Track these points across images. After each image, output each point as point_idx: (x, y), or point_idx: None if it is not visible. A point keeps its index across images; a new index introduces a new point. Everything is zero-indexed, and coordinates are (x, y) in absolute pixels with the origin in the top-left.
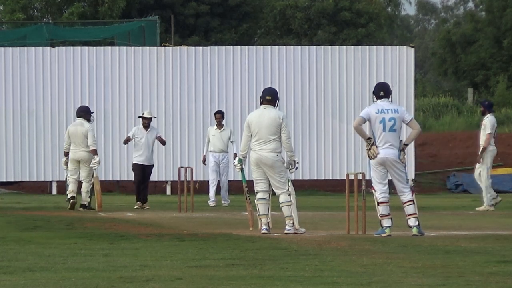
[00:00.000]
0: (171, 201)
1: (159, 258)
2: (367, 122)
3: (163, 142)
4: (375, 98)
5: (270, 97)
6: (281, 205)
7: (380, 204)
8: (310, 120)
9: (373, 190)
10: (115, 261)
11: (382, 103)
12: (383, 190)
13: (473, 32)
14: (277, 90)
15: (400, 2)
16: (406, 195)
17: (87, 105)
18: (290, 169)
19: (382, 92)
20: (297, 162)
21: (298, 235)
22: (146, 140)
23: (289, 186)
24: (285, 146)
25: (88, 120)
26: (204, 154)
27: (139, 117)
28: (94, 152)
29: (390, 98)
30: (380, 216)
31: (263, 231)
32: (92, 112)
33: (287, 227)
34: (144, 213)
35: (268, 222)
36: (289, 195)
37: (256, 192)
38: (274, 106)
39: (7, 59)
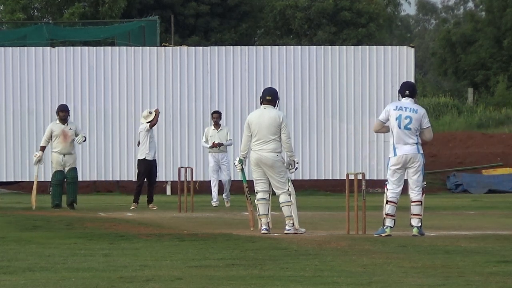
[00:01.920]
0: (171, 201)
1: (159, 258)
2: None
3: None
4: (400, 97)
5: (270, 97)
6: (281, 205)
7: (388, 203)
8: (310, 120)
9: (385, 189)
10: (115, 261)
11: (404, 101)
12: (396, 191)
13: (473, 32)
14: (277, 90)
15: (400, 2)
16: (416, 195)
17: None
18: (290, 169)
19: (407, 91)
20: (297, 162)
21: (298, 235)
22: (154, 136)
23: (289, 186)
24: (285, 146)
25: (61, 118)
26: (209, 145)
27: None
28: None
29: (415, 98)
30: (385, 214)
31: (263, 231)
32: (60, 111)
33: (287, 227)
34: (144, 213)
35: (268, 222)
36: (289, 195)
37: (256, 192)
38: (274, 106)
39: (7, 59)
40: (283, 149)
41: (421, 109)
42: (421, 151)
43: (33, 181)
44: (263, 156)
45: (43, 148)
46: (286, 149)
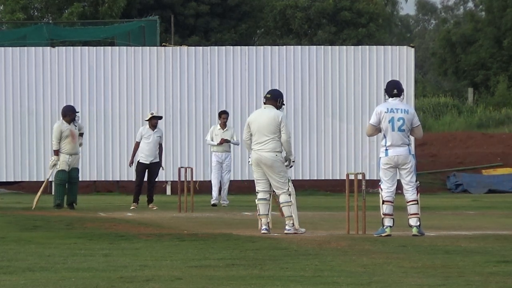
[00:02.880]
0: (171, 201)
1: (159, 258)
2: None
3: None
4: (387, 96)
5: (270, 95)
6: (281, 205)
7: (384, 203)
8: (310, 120)
9: (379, 189)
10: (115, 261)
11: (393, 102)
12: (390, 190)
13: (473, 32)
14: (280, 91)
15: (398, 1)
16: (411, 194)
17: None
18: (286, 165)
19: (395, 90)
20: (293, 161)
21: (298, 235)
22: (153, 139)
23: (289, 186)
24: (285, 146)
25: (69, 120)
26: (217, 142)
27: (150, 119)
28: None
29: (402, 96)
30: (383, 215)
31: (263, 231)
32: (76, 112)
33: (287, 227)
34: (144, 213)
35: (268, 222)
36: (289, 195)
37: (257, 192)
38: (275, 105)
39: (7, 59)
40: (283, 149)
41: (411, 109)
42: (413, 152)
43: (35, 181)
44: (262, 156)
45: (57, 152)
46: (285, 149)
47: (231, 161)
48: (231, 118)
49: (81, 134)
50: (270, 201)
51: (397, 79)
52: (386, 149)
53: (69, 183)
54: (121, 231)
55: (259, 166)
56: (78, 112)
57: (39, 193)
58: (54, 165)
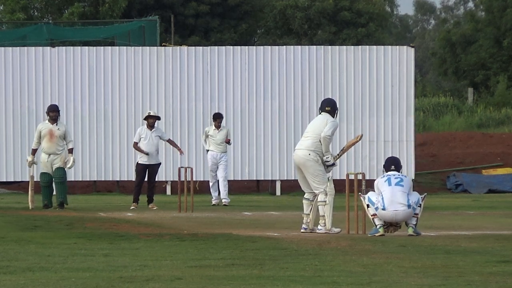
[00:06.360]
0: (171, 201)
1: (159, 258)
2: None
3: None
4: (384, 172)
5: (329, 107)
6: (317, 204)
7: (369, 206)
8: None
9: (361, 197)
10: (115, 261)
11: (389, 172)
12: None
13: (473, 32)
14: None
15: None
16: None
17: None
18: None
19: (393, 166)
20: (327, 161)
21: (299, 235)
22: (151, 139)
23: (327, 186)
24: (322, 141)
25: (50, 118)
26: (207, 148)
27: (146, 118)
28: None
29: (400, 172)
30: (371, 215)
31: (301, 230)
32: (51, 111)
33: (318, 227)
34: (144, 213)
35: (308, 222)
36: (326, 194)
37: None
38: (332, 116)
39: (7, 59)
40: (319, 149)
41: (408, 177)
42: (415, 206)
43: (35, 181)
44: (296, 154)
45: (34, 151)
46: (323, 146)
47: (227, 160)
48: (231, 118)
49: (70, 151)
50: (313, 202)
51: (397, 156)
52: (383, 202)
53: (55, 183)
54: (121, 231)
55: (297, 166)
56: (58, 111)
57: (30, 192)
58: (33, 163)
